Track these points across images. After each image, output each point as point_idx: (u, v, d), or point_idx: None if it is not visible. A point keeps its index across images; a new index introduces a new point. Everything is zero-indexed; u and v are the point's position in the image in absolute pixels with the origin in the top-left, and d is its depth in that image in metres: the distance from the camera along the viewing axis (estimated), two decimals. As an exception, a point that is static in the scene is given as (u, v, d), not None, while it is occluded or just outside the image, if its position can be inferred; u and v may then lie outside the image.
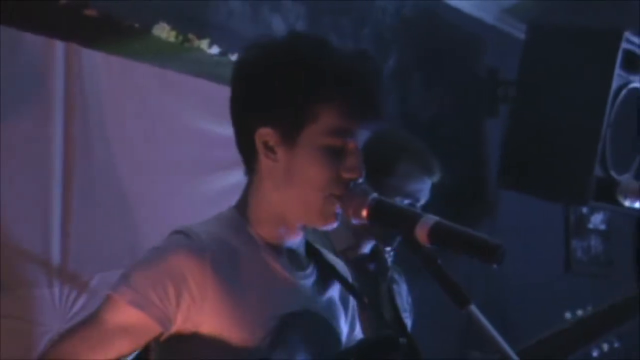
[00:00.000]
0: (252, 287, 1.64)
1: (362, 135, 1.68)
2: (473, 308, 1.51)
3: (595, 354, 2.70)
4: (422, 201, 2.53)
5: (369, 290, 2.53)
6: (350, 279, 1.86)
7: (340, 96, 1.63)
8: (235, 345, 1.59)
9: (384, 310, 2.55)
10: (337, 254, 2.50)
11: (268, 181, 1.69)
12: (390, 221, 1.62)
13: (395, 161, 2.52)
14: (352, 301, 1.86)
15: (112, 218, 2.87)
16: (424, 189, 2.54)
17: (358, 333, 1.86)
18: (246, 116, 1.69)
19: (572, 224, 5.73)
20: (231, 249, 1.65)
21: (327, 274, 1.81)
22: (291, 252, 1.74)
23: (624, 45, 4.17)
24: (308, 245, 1.80)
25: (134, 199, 2.92)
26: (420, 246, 1.55)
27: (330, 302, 1.79)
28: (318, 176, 1.64)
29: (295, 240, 1.75)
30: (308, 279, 1.75)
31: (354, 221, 1.64)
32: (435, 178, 2.55)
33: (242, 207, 1.73)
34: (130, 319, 1.56)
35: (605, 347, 2.71)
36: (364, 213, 1.61)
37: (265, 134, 1.66)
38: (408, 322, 2.65)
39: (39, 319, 2.61)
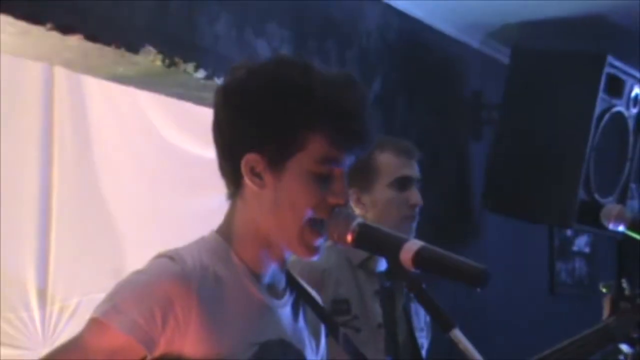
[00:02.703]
0: (234, 314, 1.64)
1: (349, 161, 1.68)
2: (457, 332, 1.52)
3: None
4: (409, 176, 2.61)
5: (386, 308, 2.56)
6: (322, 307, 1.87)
7: (329, 125, 1.63)
8: None
9: (398, 330, 2.56)
10: (354, 266, 2.53)
11: (253, 205, 1.69)
12: (374, 246, 1.63)
13: (371, 156, 2.59)
14: (322, 329, 1.86)
15: (95, 241, 2.86)
16: (405, 166, 2.62)
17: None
18: (232, 142, 1.68)
19: (556, 246, 5.75)
20: (215, 275, 1.65)
21: (300, 302, 1.82)
22: (271, 280, 1.74)
23: (607, 69, 4.20)
24: (288, 273, 1.81)
25: (117, 221, 2.92)
26: (405, 270, 1.56)
27: (302, 331, 1.80)
28: (304, 201, 1.64)
29: (277, 266, 1.75)
30: (284, 307, 1.76)
31: (339, 246, 1.64)
32: (414, 155, 2.66)
33: (226, 231, 1.72)
34: (117, 343, 1.55)
35: None
36: (349, 238, 1.62)
37: (252, 160, 1.66)
38: (424, 342, 2.65)
39: (20, 342, 2.60)
